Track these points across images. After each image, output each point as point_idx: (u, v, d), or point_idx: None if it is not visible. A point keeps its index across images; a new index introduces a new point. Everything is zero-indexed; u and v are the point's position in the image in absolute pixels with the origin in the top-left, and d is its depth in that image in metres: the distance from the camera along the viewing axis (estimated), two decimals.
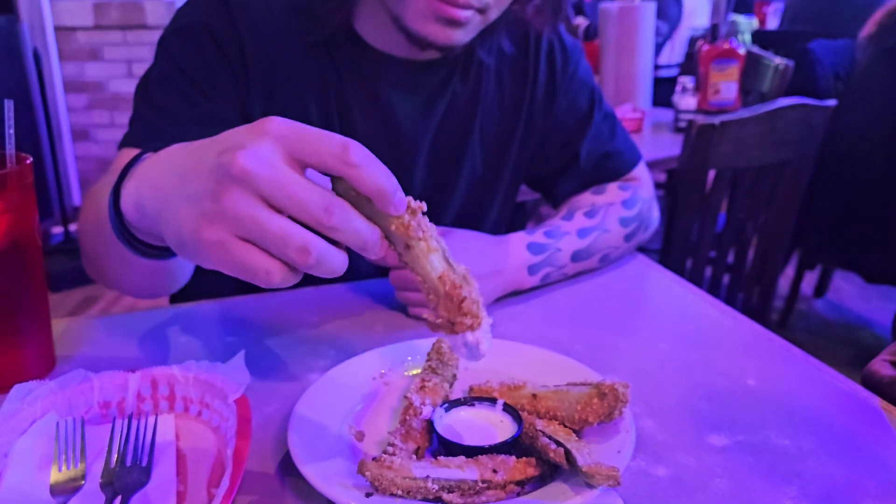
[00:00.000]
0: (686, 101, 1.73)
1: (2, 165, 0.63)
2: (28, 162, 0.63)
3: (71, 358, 0.68)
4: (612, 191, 0.93)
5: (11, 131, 0.65)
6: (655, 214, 0.98)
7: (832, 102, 1.45)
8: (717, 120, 1.28)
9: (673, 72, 2.70)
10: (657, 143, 1.74)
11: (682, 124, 1.69)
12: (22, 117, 3.01)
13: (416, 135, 0.85)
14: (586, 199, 0.92)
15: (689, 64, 2.22)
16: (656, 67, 2.48)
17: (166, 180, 0.45)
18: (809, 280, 2.66)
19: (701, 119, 1.31)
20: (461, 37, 0.75)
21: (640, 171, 0.98)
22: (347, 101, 0.81)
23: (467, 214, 0.92)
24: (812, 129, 1.43)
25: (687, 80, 1.74)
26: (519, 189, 0.98)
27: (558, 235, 0.84)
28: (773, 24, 4.32)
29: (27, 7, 2.97)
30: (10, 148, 0.64)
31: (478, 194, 0.90)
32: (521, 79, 0.90)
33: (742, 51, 1.72)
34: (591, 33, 2.83)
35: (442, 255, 0.46)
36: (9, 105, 0.66)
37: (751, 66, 1.98)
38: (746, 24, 3.91)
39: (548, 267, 0.82)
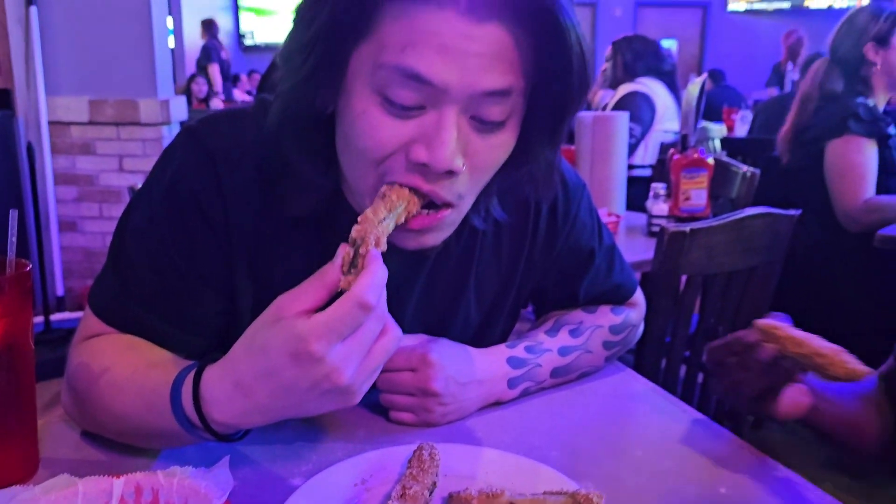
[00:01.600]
0: (658, 206, 1.81)
1: (1, 270, 0.66)
2: (27, 269, 0.66)
3: (55, 460, 0.69)
4: (604, 312, 0.94)
5: (14, 239, 0.68)
6: (639, 332, 1.00)
7: (796, 211, 1.52)
8: (687, 227, 1.35)
9: (646, 172, 2.82)
10: (632, 246, 1.80)
11: (655, 229, 1.76)
12: (11, 208, 3.04)
13: (401, 291, 0.81)
14: (575, 315, 0.92)
15: (662, 170, 2.32)
16: (630, 167, 2.60)
17: (274, 410, 0.59)
18: None
19: (673, 224, 1.37)
20: (435, 239, 0.69)
21: (636, 297, 0.99)
22: None
23: None
24: (778, 237, 1.50)
25: (659, 187, 1.83)
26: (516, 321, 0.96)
27: (539, 351, 0.86)
28: (741, 130, 4.54)
29: (24, 103, 3.06)
30: (11, 254, 0.67)
31: (473, 338, 0.87)
32: (520, 235, 0.86)
33: (710, 160, 1.82)
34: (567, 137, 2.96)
35: None
36: (13, 214, 0.69)
37: (720, 174, 2.08)
38: (716, 130, 4.12)
39: (527, 382, 0.85)
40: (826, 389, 0.79)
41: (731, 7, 10.25)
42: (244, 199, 0.73)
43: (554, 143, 0.70)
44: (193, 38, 8.29)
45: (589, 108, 3.19)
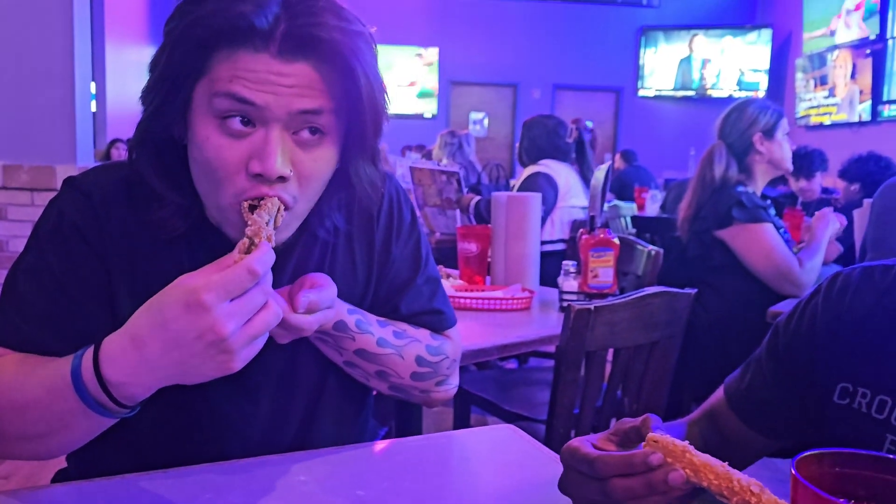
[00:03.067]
0: (569, 283, 1.91)
1: None
2: None
3: None
4: (424, 333, 1.00)
5: None
6: (454, 381, 1.03)
7: (692, 290, 1.64)
8: (591, 305, 1.44)
9: (557, 246, 2.97)
10: (545, 321, 1.89)
11: (565, 304, 1.85)
12: None
13: None
14: (402, 323, 0.98)
15: (573, 247, 2.45)
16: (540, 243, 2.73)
17: (163, 369, 0.69)
18: None
19: (579, 302, 1.44)
20: (276, 240, 0.79)
21: (455, 333, 1.05)
22: None
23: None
24: (676, 313, 1.61)
25: (570, 265, 1.93)
26: None
27: (365, 325, 0.92)
28: (651, 208, 4.81)
29: None
30: None
31: None
32: (368, 245, 0.97)
33: (616, 240, 1.93)
34: (483, 214, 3.10)
35: None
36: None
37: (627, 252, 2.21)
38: (626, 208, 4.36)
39: (359, 314, 0.91)
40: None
41: (642, 93, 10.91)
42: (120, 228, 0.86)
43: (366, 157, 0.85)
44: (116, 102, 8.20)
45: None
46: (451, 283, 2.04)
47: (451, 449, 0.98)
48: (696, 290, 1.66)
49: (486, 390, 2.20)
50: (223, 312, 0.65)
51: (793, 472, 0.48)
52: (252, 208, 0.76)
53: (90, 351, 0.72)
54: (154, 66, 0.78)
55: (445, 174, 3.05)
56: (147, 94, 0.79)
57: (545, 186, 3.02)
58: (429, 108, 10.53)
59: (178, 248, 0.87)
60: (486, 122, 10.69)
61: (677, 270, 2.40)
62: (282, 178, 0.76)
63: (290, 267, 0.90)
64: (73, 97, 3.07)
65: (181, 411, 0.90)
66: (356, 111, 0.79)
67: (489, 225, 2.15)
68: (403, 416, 1.79)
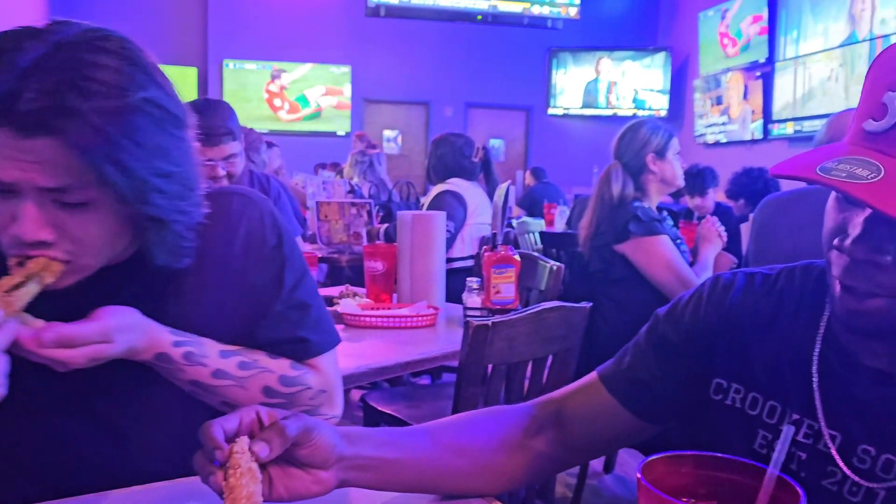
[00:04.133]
0: (472, 299, 1.95)
1: None
2: None
3: None
4: (282, 363, 0.96)
5: None
6: (329, 411, 1.01)
7: (587, 304, 1.71)
8: (489, 321, 1.47)
9: (467, 263, 3.02)
10: (450, 337, 1.92)
11: (467, 320, 1.88)
12: None
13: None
14: (255, 353, 0.95)
15: (479, 264, 2.50)
16: (450, 260, 2.76)
17: None
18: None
19: (485, 316, 1.48)
20: (66, 282, 0.82)
21: (325, 362, 1.01)
22: None
23: None
24: (573, 327, 1.66)
25: (473, 281, 1.97)
26: None
27: (200, 356, 0.90)
28: (560, 223, 4.94)
29: None
30: None
31: None
32: (224, 266, 0.95)
33: (517, 256, 1.99)
34: (393, 238, 3.12)
35: None
36: None
37: (529, 268, 2.27)
38: (535, 224, 4.46)
39: (192, 346, 0.90)
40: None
41: (551, 111, 11.23)
42: None
43: (153, 211, 0.82)
44: None
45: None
46: (357, 302, 2.05)
47: None
48: (591, 304, 1.73)
49: (396, 407, 2.21)
50: None
51: (638, 475, 0.52)
52: (21, 264, 0.79)
53: None
54: None
55: (356, 206, 3.04)
56: None
57: (454, 204, 3.07)
58: (342, 125, 10.50)
59: None
60: (399, 139, 10.74)
61: (580, 284, 2.49)
62: (42, 243, 0.78)
63: (126, 296, 0.88)
64: None
65: (40, 444, 0.91)
66: (109, 186, 0.77)
67: (395, 244, 2.18)
68: None
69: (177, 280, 0.92)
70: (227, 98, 9.24)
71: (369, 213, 3.06)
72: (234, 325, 0.96)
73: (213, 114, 2.11)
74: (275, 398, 0.95)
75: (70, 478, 0.90)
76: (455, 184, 3.21)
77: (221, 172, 2.12)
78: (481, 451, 0.86)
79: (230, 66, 9.93)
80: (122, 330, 0.83)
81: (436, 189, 3.23)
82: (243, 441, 0.67)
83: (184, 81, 9.70)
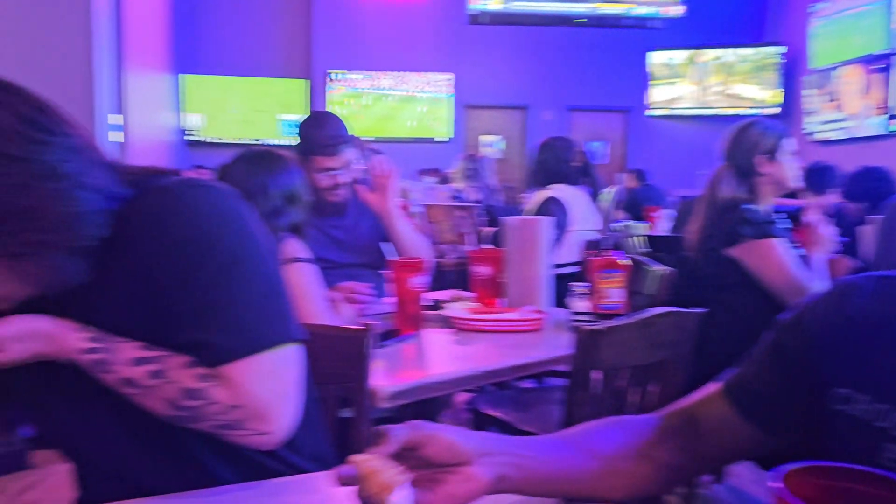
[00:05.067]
0: (579, 304, 1.96)
1: None
2: None
3: None
4: (187, 374, 0.89)
5: None
6: (264, 427, 0.90)
7: (701, 310, 1.68)
8: (599, 326, 1.48)
9: (570, 269, 3.01)
10: (557, 342, 1.92)
11: (577, 325, 1.89)
12: None
13: None
14: (171, 360, 0.90)
15: (583, 269, 2.50)
16: (554, 266, 2.76)
17: None
18: None
19: (593, 321, 1.49)
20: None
21: (236, 372, 0.89)
22: None
23: None
24: (684, 333, 1.65)
25: (579, 286, 1.98)
26: None
27: (116, 350, 0.89)
28: (663, 227, 4.83)
29: None
30: None
31: None
32: (125, 267, 0.91)
33: (625, 261, 1.98)
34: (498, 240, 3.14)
35: None
36: None
37: (637, 273, 2.26)
38: (639, 227, 4.38)
39: (102, 353, 0.89)
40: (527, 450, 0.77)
41: (651, 112, 10.96)
42: None
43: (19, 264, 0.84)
44: (139, 134, 8.36)
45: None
46: (464, 306, 2.09)
47: None
48: (705, 310, 1.70)
49: (502, 410, 2.24)
50: None
51: (773, 485, 0.52)
52: None
53: None
54: None
55: (462, 209, 3.09)
56: None
57: (556, 211, 3.06)
58: (443, 131, 10.65)
59: None
60: (499, 144, 10.78)
61: (689, 289, 2.43)
62: None
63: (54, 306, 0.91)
64: (92, 129, 3.17)
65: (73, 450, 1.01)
66: None
67: (501, 248, 2.21)
68: None
69: (86, 290, 0.90)
70: (331, 108, 9.57)
71: (475, 218, 3.09)
72: (146, 328, 0.90)
73: (328, 126, 2.22)
74: (179, 411, 0.89)
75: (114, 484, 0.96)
76: (557, 189, 3.21)
77: (342, 180, 2.22)
78: (611, 456, 0.84)
79: (335, 76, 10.26)
80: (18, 339, 0.88)
81: (538, 195, 3.23)
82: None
83: (293, 93, 10.12)
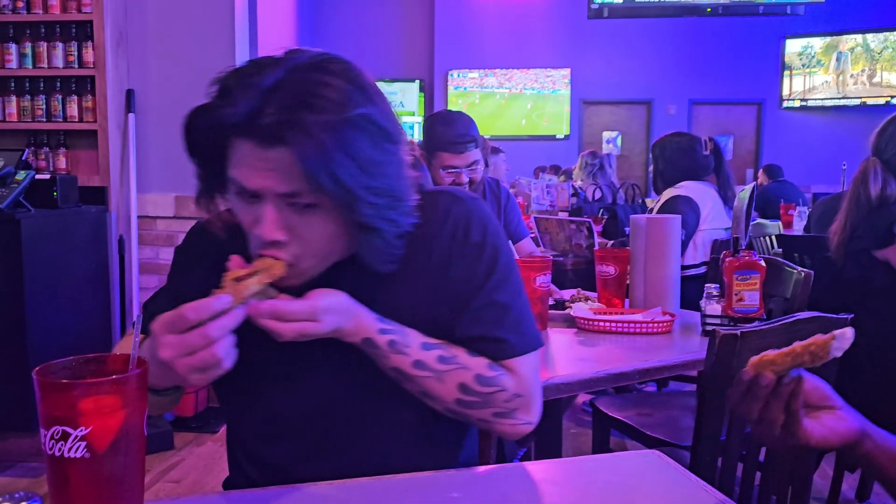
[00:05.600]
0: (712, 307, 1.86)
1: (125, 366, 0.77)
2: (146, 366, 0.76)
3: None
4: (480, 361, 0.98)
5: (138, 339, 0.80)
6: (525, 417, 1.00)
7: (847, 315, 1.56)
8: (738, 330, 1.40)
9: (699, 270, 2.87)
10: (686, 345, 1.85)
11: (709, 329, 1.81)
12: (99, 295, 3.27)
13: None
14: (455, 349, 0.98)
15: (715, 269, 2.38)
16: (682, 268, 2.65)
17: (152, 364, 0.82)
18: (851, 482, 2.62)
19: (725, 327, 1.41)
20: (292, 282, 0.92)
21: (521, 365, 1.00)
22: None
23: None
24: None
25: (712, 288, 1.88)
26: None
27: (403, 346, 0.95)
28: (799, 225, 4.55)
29: (117, 199, 3.34)
30: (135, 353, 0.78)
31: None
32: (428, 262, 1.00)
33: (762, 262, 1.87)
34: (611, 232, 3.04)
35: None
36: (138, 318, 0.82)
37: (774, 275, 2.12)
38: (772, 226, 4.14)
39: (396, 335, 0.95)
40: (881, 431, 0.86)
41: (786, 104, 10.34)
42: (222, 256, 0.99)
43: (367, 218, 0.89)
44: None
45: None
46: (589, 306, 2.05)
47: (597, 473, 0.99)
48: (852, 315, 1.58)
49: (627, 414, 2.18)
50: (162, 342, 0.83)
51: None
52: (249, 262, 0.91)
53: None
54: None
55: (574, 223, 3.04)
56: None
57: (686, 210, 2.92)
58: (561, 128, 10.52)
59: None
60: (619, 140, 10.52)
61: (831, 294, 2.27)
62: (276, 242, 0.89)
63: (345, 287, 0.95)
64: None
65: (309, 427, 1.02)
66: (331, 193, 0.86)
67: (628, 247, 2.15)
68: (543, 439, 1.82)
69: (386, 276, 0.98)
70: (451, 107, 9.66)
71: (589, 230, 3.03)
72: (436, 319, 0.99)
73: (457, 124, 2.23)
74: (470, 395, 0.97)
75: (277, 450, 1.02)
76: (686, 187, 3.07)
77: (465, 179, 2.23)
78: None
79: (455, 76, 10.36)
80: (329, 311, 0.91)
81: (665, 194, 3.10)
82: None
83: (408, 94, 10.31)
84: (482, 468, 0.97)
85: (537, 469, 1.00)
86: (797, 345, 0.79)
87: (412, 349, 0.95)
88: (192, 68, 3.29)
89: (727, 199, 3.09)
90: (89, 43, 3.31)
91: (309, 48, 0.92)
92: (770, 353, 0.81)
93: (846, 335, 0.76)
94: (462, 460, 1.09)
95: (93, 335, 3.19)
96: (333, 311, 0.92)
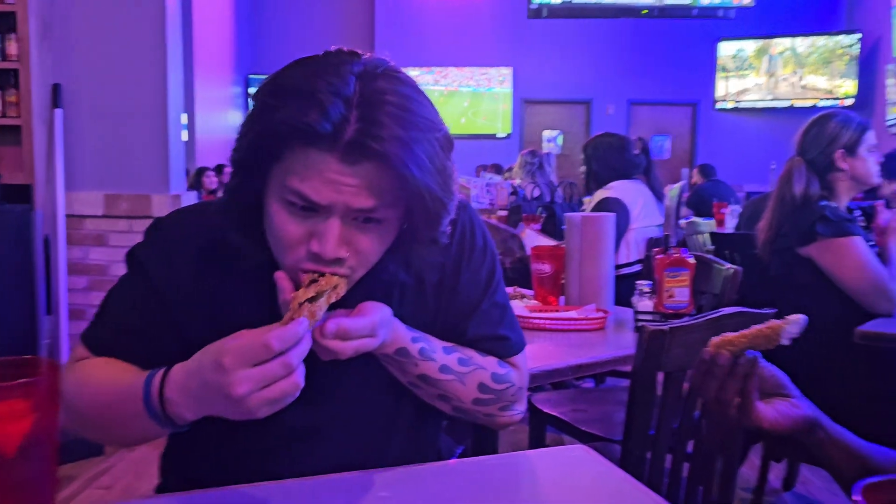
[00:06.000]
0: (643, 303, 1.90)
1: (35, 370, 0.74)
2: (58, 369, 0.74)
3: None
4: (491, 360, 1.03)
5: (46, 342, 0.77)
6: (520, 407, 1.07)
7: (771, 310, 1.61)
8: (666, 326, 1.44)
9: (634, 268, 2.93)
10: (619, 341, 1.89)
11: (640, 325, 1.84)
12: (24, 298, 3.14)
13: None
14: (468, 350, 1.02)
15: (648, 266, 2.44)
16: (616, 267, 2.70)
17: (202, 403, 0.81)
18: (778, 471, 2.72)
19: (658, 321, 1.44)
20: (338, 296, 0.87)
21: (521, 360, 1.08)
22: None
23: None
24: None
25: (644, 285, 1.92)
26: None
27: (429, 352, 0.97)
28: (731, 223, 4.68)
29: (43, 197, 3.22)
30: (44, 354, 0.76)
31: None
32: (440, 269, 1.02)
33: (692, 259, 1.92)
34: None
35: None
36: (44, 320, 0.79)
37: (703, 271, 2.19)
38: (705, 224, 4.26)
39: (424, 342, 0.96)
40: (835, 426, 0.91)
41: (719, 105, 10.66)
42: (191, 267, 0.97)
43: (422, 237, 0.90)
44: (203, 132, 8.61)
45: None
46: (524, 304, 2.07)
47: (525, 469, 1.00)
48: (775, 310, 1.63)
49: (562, 410, 2.21)
50: (239, 377, 0.75)
51: (859, 498, 0.49)
52: (312, 282, 0.84)
53: (162, 370, 0.85)
54: (239, 141, 0.86)
55: (507, 234, 3.07)
56: (233, 165, 0.88)
57: (616, 210, 2.98)
58: (502, 127, 10.60)
59: (252, 288, 0.95)
60: (560, 139, 10.66)
61: (758, 290, 2.34)
62: (337, 259, 0.84)
63: (357, 299, 0.92)
64: (165, 130, 3.27)
65: (255, 427, 0.96)
66: (409, 208, 0.85)
67: (563, 245, 2.17)
68: (480, 436, 1.82)
69: (403, 283, 0.99)
70: None
71: (521, 246, 3.07)
72: (447, 322, 1.02)
73: None
74: (487, 394, 1.00)
75: (291, 462, 0.98)
76: (616, 188, 3.12)
77: None
78: None
79: None
80: (383, 325, 0.89)
81: (598, 195, 3.15)
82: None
83: None
84: (408, 467, 0.97)
85: (464, 467, 1.01)
86: (754, 328, 0.86)
87: (438, 354, 0.97)
88: (122, 61, 3.20)
89: (659, 196, 3.16)
90: (12, 35, 3.19)
91: (373, 55, 0.87)
92: (729, 335, 0.87)
93: (799, 322, 0.83)
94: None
95: (15, 338, 3.07)
96: (385, 325, 0.91)
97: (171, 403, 0.82)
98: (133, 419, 0.86)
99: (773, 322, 0.85)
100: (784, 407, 0.90)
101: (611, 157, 3.16)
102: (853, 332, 2.04)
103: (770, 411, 0.89)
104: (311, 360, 0.80)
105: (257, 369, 0.75)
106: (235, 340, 0.77)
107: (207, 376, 0.77)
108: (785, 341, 0.84)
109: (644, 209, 3.08)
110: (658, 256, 1.92)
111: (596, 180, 3.19)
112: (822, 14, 10.40)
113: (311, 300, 0.81)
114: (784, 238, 2.25)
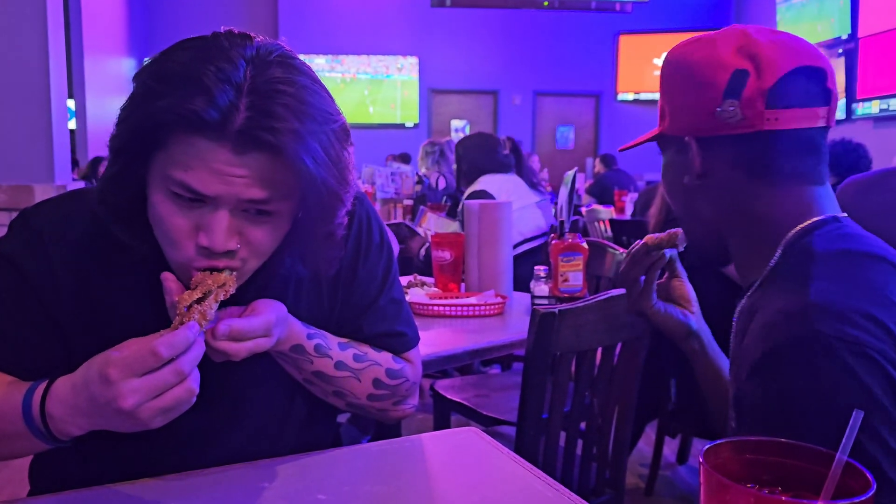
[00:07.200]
0: (540, 288, 1.95)
1: None
2: None
3: None
4: (386, 356, 1.03)
5: None
6: (412, 401, 1.07)
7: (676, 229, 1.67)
8: (556, 308, 1.47)
9: (522, 247, 3.00)
10: (518, 325, 1.91)
11: (535, 308, 1.88)
12: None
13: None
14: (363, 346, 1.02)
15: (544, 253, 2.49)
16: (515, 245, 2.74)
17: (92, 418, 0.77)
18: (672, 446, 2.84)
19: (553, 304, 1.48)
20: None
21: (415, 355, 1.09)
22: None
23: None
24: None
25: (541, 270, 1.97)
26: None
27: (324, 350, 0.96)
28: (629, 211, 4.87)
29: None
30: None
31: None
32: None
33: (585, 244, 1.97)
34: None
35: None
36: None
37: (598, 256, 2.25)
38: (604, 212, 4.40)
39: (319, 338, 0.95)
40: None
41: (620, 97, 11.01)
42: (72, 265, 0.91)
43: (319, 231, 0.86)
44: (97, 118, 8.19)
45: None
46: (425, 291, 2.07)
47: (414, 453, 1.01)
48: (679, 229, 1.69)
49: (465, 396, 2.23)
50: (127, 388, 0.71)
51: (700, 460, 0.51)
52: (199, 284, 0.80)
53: (43, 385, 0.80)
54: (117, 126, 0.80)
55: (392, 226, 3.09)
56: (111, 152, 0.82)
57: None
58: (410, 117, 10.59)
59: (137, 285, 0.91)
60: (467, 129, 10.75)
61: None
62: (228, 252, 0.81)
63: (251, 295, 0.90)
64: (48, 116, 3.09)
65: (142, 434, 0.92)
66: (304, 200, 0.81)
67: (462, 233, 2.19)
68: (384, 425, 1.82)
69: (298, 278, 0.97)
70: None
71: (408, 228, 3.10)
72: (343, 317, 1.02)
73: None
74: (382, 389, 1.00)
75: (176, 458, 0.93)
76: (483, 181, 3.17)
77: None
78: None
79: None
80: (278, 324, 0.87)
81: (468, 191, 3.21)
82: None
83: None
84: (292, 457, 0.95)
85: (359, 451, 1.00)
86: (666, 232, 1.05)
87: (333, 350, 0.96)
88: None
89: (534, 185, 3.25)
90: None
91: (264, 38, 0.83)
92: (652, 235, 1.06)
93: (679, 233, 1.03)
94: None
95: None
96: (280, 323, 0.88)
97: (56, 420, 0.77)
98: (9, 436, 0.81)
99: (671, 231, 1.04)
100: (675, 311, 1.06)
101: (477, 157, 3.26)
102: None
103: (661, 306, 1.05)
104: (201, 361, 0.77)
105: (146, 379, 0.72)
106: (122, 351, 0.73)
107: (95, 390, 0.73)
108: (681, 247, 1.04)
109: (513, 195, 3.11)
110: (553, 242, 1.97)
111: (465, 178, 3.27)
112: (712, 12, 10.89)
113: (200, 301, 0.78)
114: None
